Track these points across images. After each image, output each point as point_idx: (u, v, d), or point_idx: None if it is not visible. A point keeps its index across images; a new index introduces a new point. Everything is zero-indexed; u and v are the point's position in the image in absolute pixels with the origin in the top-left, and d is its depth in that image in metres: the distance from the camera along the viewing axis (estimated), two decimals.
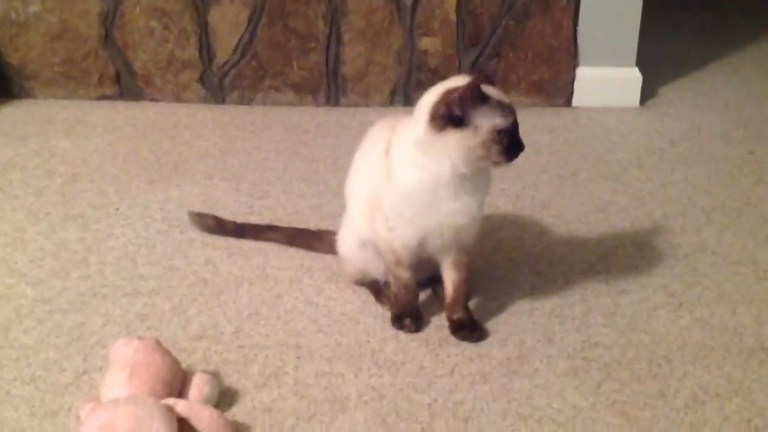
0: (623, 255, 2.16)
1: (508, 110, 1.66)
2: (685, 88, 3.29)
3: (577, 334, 1.85)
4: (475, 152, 1.64)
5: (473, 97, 1.61)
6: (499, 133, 1.64)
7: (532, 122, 2.91)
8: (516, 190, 2.47)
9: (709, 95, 3.24)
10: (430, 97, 1.69)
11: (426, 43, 2.98)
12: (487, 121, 1.63)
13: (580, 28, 3.00)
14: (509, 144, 1.66)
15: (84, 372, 1.70)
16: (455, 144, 1.64)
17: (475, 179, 1.71)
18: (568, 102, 3.09)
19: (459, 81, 1.66)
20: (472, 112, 1.62)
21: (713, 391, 1.68)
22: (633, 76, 3.09)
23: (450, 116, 1.63)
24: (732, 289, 2.02)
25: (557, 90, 3.07)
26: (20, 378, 1.68)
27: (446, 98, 1.64)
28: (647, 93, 3.14)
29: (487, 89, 1.66)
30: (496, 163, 1.68)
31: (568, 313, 1.92)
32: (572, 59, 3.03)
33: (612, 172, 2.61)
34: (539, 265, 2.11)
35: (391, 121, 1.84)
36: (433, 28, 2.96)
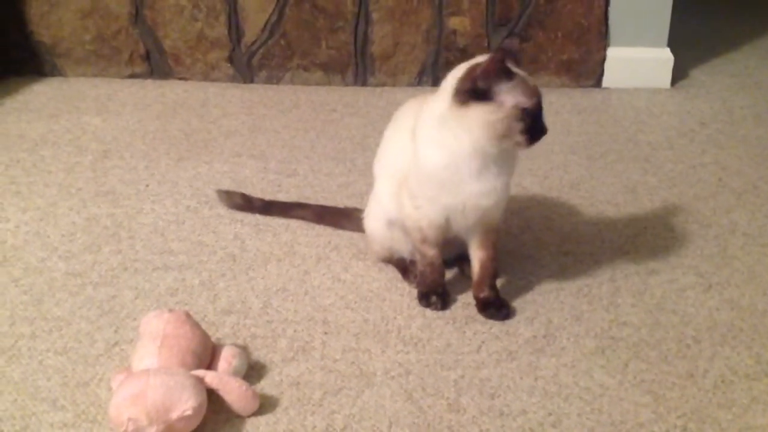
0: (653, 235, 2.15)
1: (533, 90, 1.65)
2: (717, 69, 3.25)
3: (605, 313, 1.84)
4: (497, 128, 1.63)
5: (498, 70, 1.61)
6: (523, 111, 1.63)
7: (562, 102, 2.89)
8: (545, 170, 2.45)
9: (741, 76, 3.19)
10: (455, 73, 1.69)
11: (455, 22, 2.97)
12: (511, 98, 1.62)
13: (612, 7, 2.97)
14: (532, 125, 1.64)
15: (115, 344, 1.72)
16: (478, 119, 1.63)
17: (499, 161, 1.70)
18: (598, 83, 3.06)
19: (484, 59, 1.66)
20: (496, 86, 1.62)
21: (742, 372, 1.67)
22: (664, 57, 3.05)
23: (474, 90, 1.62)
24: (762, 271, 2.00)
25: (587, 70, 3.04)
26: (53, 349, 1.70)
27: (471, 73, 1.64)
28: (678, 74, 3.10)
29: (513, 67, 1.65)
30: (517, 144, 1.66)
31: (596, 292, 1.91)
32: (603, 39, 3.00)
33: (642, 153, 2.59)
34: (567, 245, 2.10)
35: (419, 100, 1.84)
36: (462, 7, 2.94)
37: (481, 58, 1.67)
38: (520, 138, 1.64)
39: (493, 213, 1.78)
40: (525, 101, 1.63)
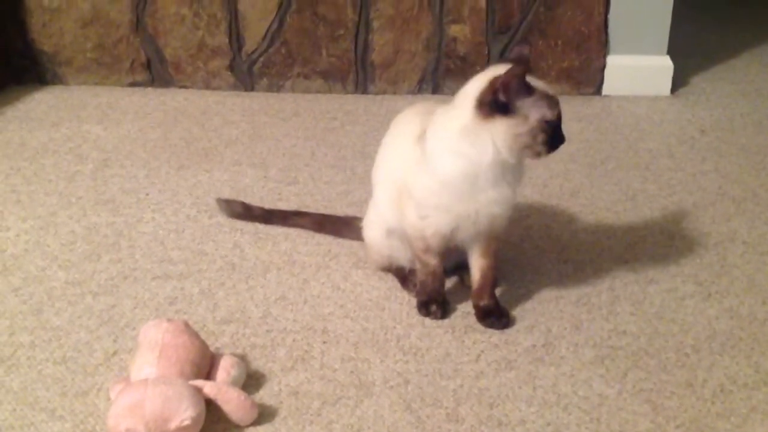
0: (652, 244, 2.15)
1: (554, 102, 1.67)
2: (717, 76, 3.25)
3: (604, 322, 1.84)
4: (522, 140, 1.65)
5: (519, 83, 1.62)
6: (547, 123, 1.65)
7: (562, 110, 2.88)
8: (544, 178, 2.46)
9: (742, 84, 3.19)
10: (476, 84, 1.68)
11: (455, 30, 2.97)
12: (535, 111, 1.64)
13: (611, 15, 2.97)
14: (553, 135, 1.67)
15: (114, 353, 1.72)
16: (503, 132, 1.65)
17: (513, 169, 1.72)
18: (598, 90, 3.06)
19: (503, 69, 1.65)
20: (519, 100, 1.63)
21: (741, 381, 1.67)
22: (664, 65, 3.05)
23: (497, 102, 1.63)
24: (762, 280, 2.00)
25: (587, 78, 3.05)
26: (52, 358, 1.70)
27: (493, 85, 1.64)
28: (678, 82, 3.11)
29: (533, 80, 1.66)
30: (537, 154, 1.68)
31: (596, 301, 1.91)
32: (603, 47, 3.00)
33: (642, 161, 2.59)
34: (567, 253, 2.10)
35: (420, 108, 1.84)
36: (462, 15, 2.95)
37: (500, 69, 1.66)
38: (541, 148, 1.67)
39: (502, 220, 1.78)
40: (549, 114, 1.65)
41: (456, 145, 1.68)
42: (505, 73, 1.62)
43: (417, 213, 1.78)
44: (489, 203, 1.72)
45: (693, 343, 1.78)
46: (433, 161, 1.71)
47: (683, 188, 2.43)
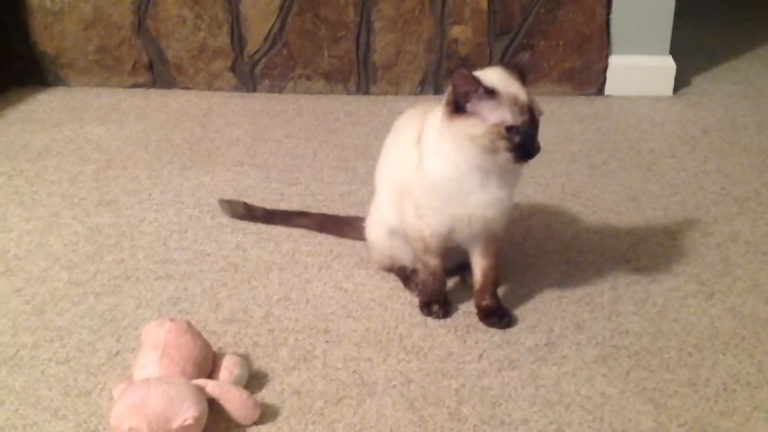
0: (655, 243, 2.15)
1: (522, 109, 1.61)
2: (719, 77, 3.25)
3: (606, 321, 1.84)
4: (480, 143, 1.62)
5: (466, 83, 1.60)
6: (508, 129, 1.61)
7: (564, 111, 2.89)
8: (546, 178, 2.46)
9: (743, 84, 3.19)
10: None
11: (457, 31, 2.98)
12: (493, 115, 1.61)
13: (613, 15, 2.97)
14: (521, 144, 1.62)
15: (117, 353, 1.72)
16: (462, 132, 1.63)
17: (501, 173, 1.69)
18: (600, 91, 3.06)
19: (489, 72, 1.66)
20: (474, 101, 1.61)
21: (744, 380, 1.66)
22: (666, 65, 3.05)
23: (456, 102, 1.63)
24: (764, 279, 1.99)
25: (589, 78, 3.05)
26: (55, 358, 1.71)
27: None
28: (681, 82, 3.11)
29: (509, 83, 1.64)
30: (505, 161, 1.63)
31: (598, 300, 1.91)
32: (605, 47, 3.01)
33: (644, 161, 2.59)
34: (569, 253, 2.10)
35: (421, 109, 1.84)
36: (463, 16, 2.95)
37: (490, 70, 1.67)
38: (505, 155, 1.62)
39: (497, 223, 1.78)
40: (509, 119, 1.60)
41: (440, 147, 1.68)
42: (451, 73, 1.60)
43: (414, 213, 1.78)
44: (480, 206, 1.71)
45: (696, 342, 1.78)
46: (424, 163, 1.72)
47: (685, 188, 2.43)
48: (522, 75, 1.67)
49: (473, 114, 1.62)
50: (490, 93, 1.61)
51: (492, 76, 1.65)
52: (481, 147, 1.62)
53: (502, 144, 1.61)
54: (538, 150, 1.64)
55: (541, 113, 1.65)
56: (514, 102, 1.61)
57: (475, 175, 1.68)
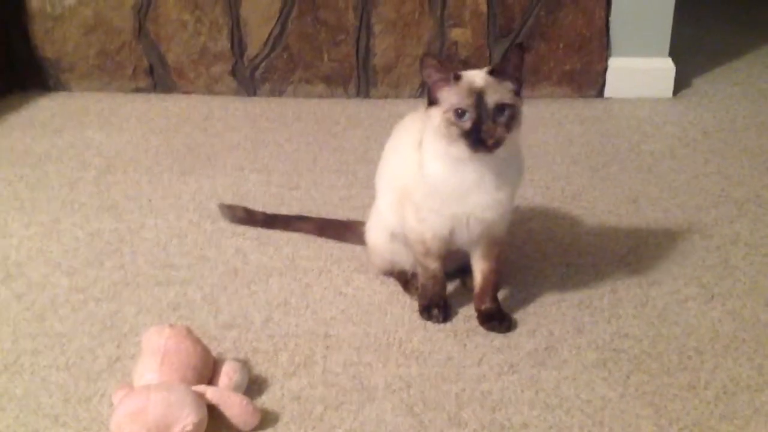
0: (655, 246, 2.15)
1: (471, 92, 1.62)
2: (719, 78, 3.25)
3: (606, 325, 1.84)
4: (440, 131, 1.64)
5: (434, 68, 1.63)
6: (457, 114, 1.62)
7: (564, 113, 2.89)
8: (546, 181, 2.45)
9: (744, 86, 3.19)
10: None
11: (456, 34, 2.98)
12: (446, 100, 1.63)
13: (613, 17, 2.97)
14: (471, 130, 1.61)
15: (117, 359, 1.73)
16: (430, 123, 1.67)
17: (498, 171, 1.69)
18: (600, 93, 3.06)
19: (477, 72, 1.67)
20: (442, 90, 1.64)
21: (744, 383, 1.66)
22: (666, 67, 3.05)
23: (429, 94, 1.66)
24: (764, 281, 1.99)
25: (589, 80, 3.05)
26: (55, 365, 1.71)
27: None
28: (680, 83, 3.11)
29: (475, 74, 1.65)
30: (463, 150, 1.63)
31: (598, 304, 1.91)
32: (604, 49, 3.01)
33: (644, 164, 2.59)
34: (569, 256, 2.10)
35: (421, 113, 1.85)
36: (463, 18, 2.95)
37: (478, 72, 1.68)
38: (461, 143, 1.63)
39: (497, 226, 1.78)
40: (456, 101, 1.62)
41: (436, 146, 1.69)
42: (421, 62, 1.64)
43: (415, 216, 1.78)
44: (480, 207, 1.72)
45: (696, 345, 1.78)
46: (424, 164, 1.73)
47: (685, 190, 2.42)
48: (504, 69, 1.65)
49: (436, 104, 1.65)
50: (455, 78, 1.63)
51: (471, 71, 1.67)
52: (444, 137, 1.65)
53: (454, 131, 1.63)
54: (493, 138, 1.62)
55: (497, 101, 1.62)
56: (468, 87, 1.63)
57: (470, 173, 1.68)
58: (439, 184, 1.71)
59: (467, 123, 1.62)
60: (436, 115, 1.64)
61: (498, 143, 1.63)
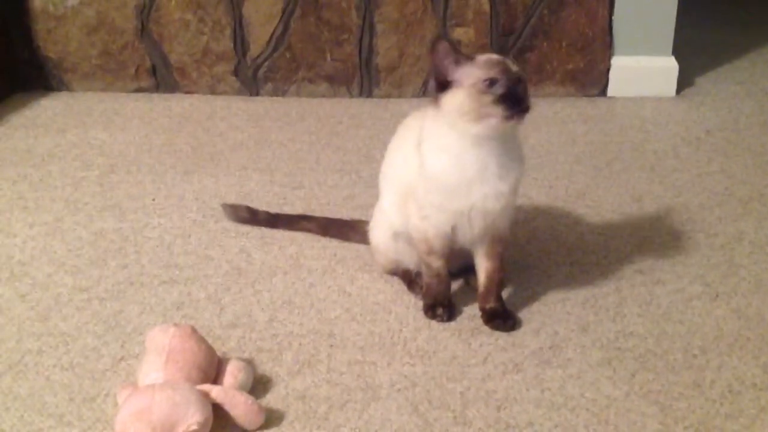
0: (659, 245, 2.14)
1: (495, 64, 1.65)
2: (723, 77, 3.25)
3: (611, 324, 1.84)
4: (466, 110, 1.64)
5: (445, 53, 1.64)
6: (487, 83, 1.62)
7: (567, 112, 2.88)
8: (550, 180, 2.45)
9: (747, 84, 3.19)
10: None
11: (459, 33, 2.98)
12: (468, 76, 1.64)
13: (616, 17, 2.97)
14: (506, 94, 1.63)
15: (121, 358, 1.73)
16: (449, 108, 1.66)
17: (500, 161, 1.69)
18: (603, 92, 3.06)
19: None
20: (454, 74, 1.65)
21: (749, 382, 1.66)
22: (669, 65, 3.05)
23: (437, 83, 1.66)
24: None
25: (592, 80, 3.05)
26: (59, 364, 1.71)
27: None
28: (684, 82, 3.10)
29: (483, 54, 1.68)
30: (500, 121, 1.63)
31: (602, 303, 1.91)
32: (607, 49, 3.00)
33: (648, 162, 2.59)
34: (573, 255, 2.10)
35: (423, 113, 1.85)
36: (466, 18, 2.95)
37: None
38: (493, 109, 1.63)
39: (499, 220, 1.77)
40: (483, 73, 1.63)
41: (437, 140, 1.70)
42: (432, 46, 1.66)
43: (418, 214, 1.78)
44: (482, 198, 1.71)
45: (701, 344, 1.77)
46: (425, 160, 1.73)
47: (689, 189, 2.42)
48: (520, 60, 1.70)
49: (454, 86, 1.65)
50: (468, 59, 1.65)
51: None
52: (470, 114, 1.64)
53: (487, 100, 1.63)
54: (529, 103, 1.65)
55: (518, 71, 1.66)
56: (487, 61, 1.66)
57: (473, 164, 1.68)
58: (442, 177, 1.71)
59: (500, 89, 1.63)
60: (455, 95, 1.65)
61: (528, 108, 1.65)
